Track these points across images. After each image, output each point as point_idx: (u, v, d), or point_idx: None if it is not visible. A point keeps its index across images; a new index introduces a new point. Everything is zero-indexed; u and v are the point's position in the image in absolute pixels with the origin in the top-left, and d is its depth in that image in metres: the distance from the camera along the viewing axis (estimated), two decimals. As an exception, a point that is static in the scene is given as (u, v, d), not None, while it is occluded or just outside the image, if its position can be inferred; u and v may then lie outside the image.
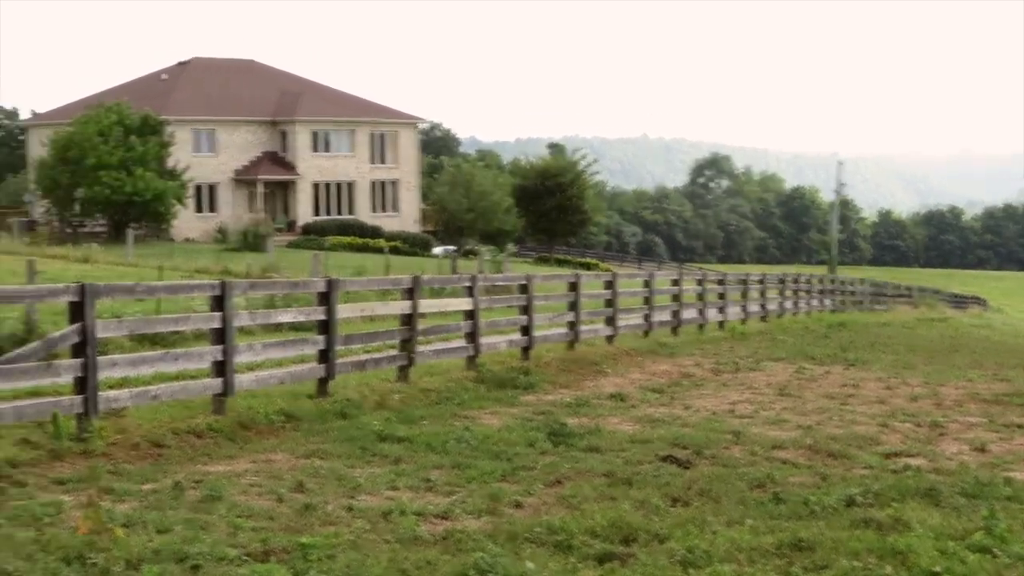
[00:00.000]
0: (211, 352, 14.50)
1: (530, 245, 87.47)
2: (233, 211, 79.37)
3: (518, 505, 10.38)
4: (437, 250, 73.46)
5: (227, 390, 14.38)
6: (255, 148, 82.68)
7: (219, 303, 14.58)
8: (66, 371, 12.40)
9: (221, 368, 14.37)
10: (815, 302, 46.47)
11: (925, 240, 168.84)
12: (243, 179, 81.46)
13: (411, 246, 75.29)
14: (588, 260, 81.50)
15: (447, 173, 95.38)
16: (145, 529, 8.74)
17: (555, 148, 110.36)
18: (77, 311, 12.40)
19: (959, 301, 71.49)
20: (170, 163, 70.04)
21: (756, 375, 22.66)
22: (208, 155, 79.90)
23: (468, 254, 67.58)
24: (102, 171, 64.42)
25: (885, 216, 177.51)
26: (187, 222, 74.36)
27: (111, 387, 13.49)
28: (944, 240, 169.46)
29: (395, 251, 67.14)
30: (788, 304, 42.23)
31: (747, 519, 9.77)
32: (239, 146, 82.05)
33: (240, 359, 14.90)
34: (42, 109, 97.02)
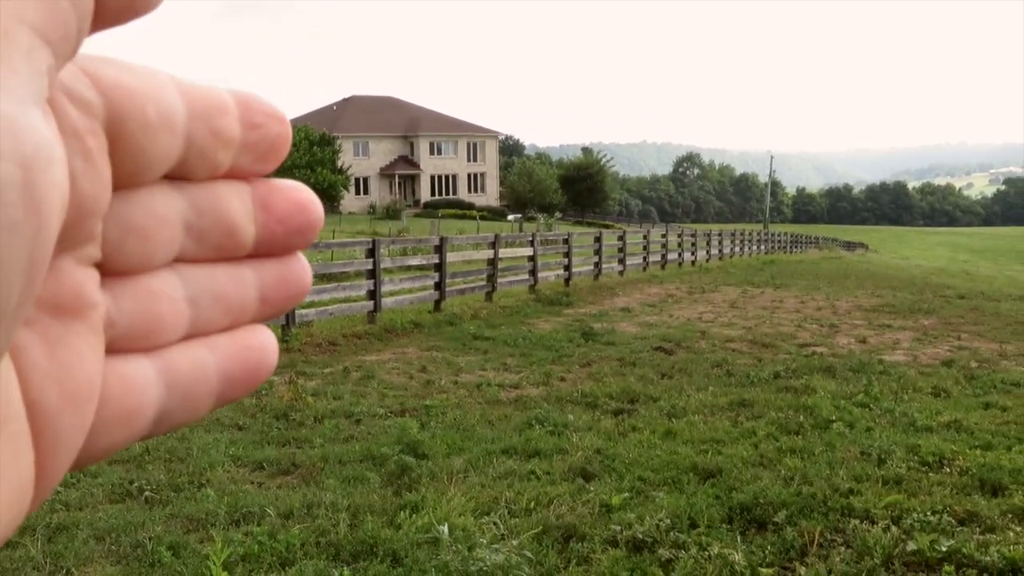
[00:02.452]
0: (366, 284, 14.60)
1: (570, 214, 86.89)
2: (379, 194, 79.78)
3: (562, 379, 10.43)
4: (510, 217, 73.14)
5: (377, 308, 14.51)
6: (393, 153, 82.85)
7: (371, 253, 14.69)
8: (275, 297, 12.58)
9: (373, 295, 14.49)
10: (754, 248, 45.99)
11: (827, 207, 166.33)
12: (386, 174, 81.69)
13: (493, 215, 75.19)
14: (607, 223, 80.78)
15: (516, 167, 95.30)
16: (326, 397, 8.88)
17: (586, 151, 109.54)
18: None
19: (849, 246, 70.42)
20: (339, 163, 70.56)
21: (715, 295, 22.52)
22: (363, 158, 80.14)
23: (530, 219, 67.51)
24: (295, 169, 65.38)
25: (801, 192, 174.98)
26: (350, 202, 74.78)
27: (303, 307, 13.63)
28: (840, 206, 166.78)
29: (483, 219, 67.31)
30: (736, 249, 41.87)
31: (710, 387, 9.76)
32: (383, 152, 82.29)
33: (385, 288, 15.00)
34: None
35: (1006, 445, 7.13)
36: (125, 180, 0.29)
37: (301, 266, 0.36)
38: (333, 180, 68.02)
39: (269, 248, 0.34)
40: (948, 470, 6.35)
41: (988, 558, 4.53)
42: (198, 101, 0.30)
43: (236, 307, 0.33)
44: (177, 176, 0.30)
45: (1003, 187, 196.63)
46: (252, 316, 0.34)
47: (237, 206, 0.32)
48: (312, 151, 66.92)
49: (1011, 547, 4.66)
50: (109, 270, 0.29)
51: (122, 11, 0.27)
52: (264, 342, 0.35)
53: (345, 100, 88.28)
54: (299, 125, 70.70)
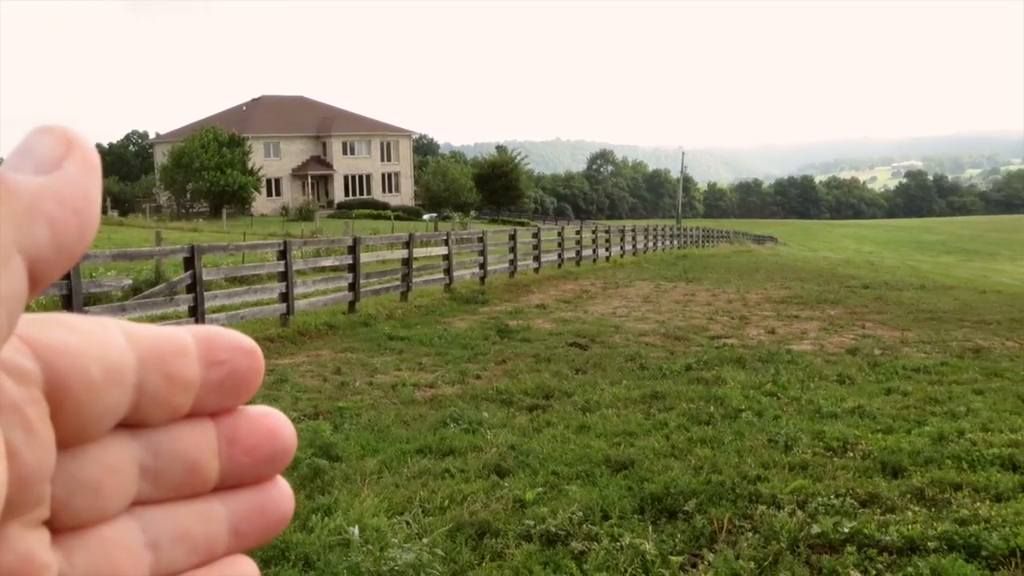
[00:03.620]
0: (279, 287, 14.43)
1: (485, 212, 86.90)
2: (292, 196, 78.73)
3: (478, 377, 10.44)
4: (425, 216, 72.91)
5: (289, 311, 14.34)
6: (305, 154, 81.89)
7: (283, 255, 14.52)
8: (183, 302, 12.35)
9: (285, 297, 14.31)
10: (667, 243, 46.63)
11: (738, 201, 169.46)
12: (298, 174, 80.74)
13: (408, 215, 74.83)
14: (522, 220, 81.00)
15: (431, 167, 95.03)
16: (238, 401, 8.74)
17: (500, 149, 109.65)
18: (189, 263, 12.36)
19: (759, 239, 71.86)
20: (249, 165, 69.57)
21: (629, 290, 22.79)
22: (275, 159, 79.08)
23: (445, 218, 67.44)
24: (204, 171, 64.42)
25: (712, 187, 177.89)
26: (262, 203, 73.66)
27: (213, 312, 13.41)
28: (750, 201, 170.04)
29: (398, 218, 66.92)
30: (650, 244, 42.38)
31: (623, 380, 9.88)
32: (295, 153, 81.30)
33: (298, 291, 14.84)
34: (163, 131, 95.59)
35: (906, 429, 7.38)
36: (72, 438, 0.28)
37: (280, 494, 0.35)
38: (244, 182, 67.03)
39: (237, 480, 0.33)
40: (851, 454, 6.54)
41: (888, 537, 4.69)
42: (151, 348, 0.30)
43: (203, 545, 0.32)
44: (132, 423, 0.30)
45: (904, 180, 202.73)
46: (226, 550, 0.33)
47: (198, 443, 0.32)
48: (222, 152, 65.90)
49: (909, 526, 4.83)
50: (60, 526, 0.28)
51: (47, 280, 0.28)
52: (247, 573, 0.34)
53: (255, 100, 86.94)
54: (207, 126, 69.53)
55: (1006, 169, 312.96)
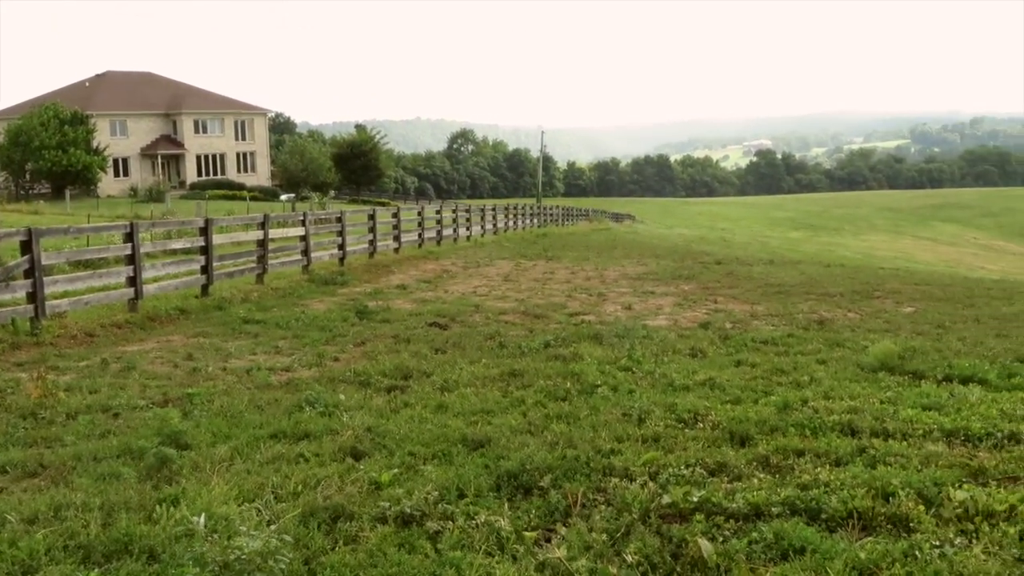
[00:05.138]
0: (126, 271, 13.88)
1: (345, 192, 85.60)
2: (141, 176, 75.74)
3: (336, 359, 10.30)
4: (283, 197, 71.35)
5: (138, 295, 13.84)
6: (155, 132, 78.91)
7: (130, 237, 14.01)
8: (20, 288, 11.72)
9: (133, 281, 13.80)
10: (527, 221, 47.08)
11: (597, 180, 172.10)
12: (147, 154, 77.73)
13: (265, 195, 73.16)
14: (383, 200, 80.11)
15: (288, 146, 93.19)
16: (81, 392, 8.36)
17: (359, 127, 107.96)
18: (27, 246, 11.72)
19: (617, 217, 73.29)
20: (94, 144, 66.57)
21: (490, 268, 22.90)
22: (122, 138, 75.82)
23: (303, 199, 66.31)
24: (44, 151, 61.38)
25: (571, 166, 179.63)
26: (109, 184, 70.69)
27: (56, 298, 12.79)
28: (608, 179, 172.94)
29: (254, 199, 65.54)
30: (511, 223, 42.69)
31: (482, 359, 9.90)
32: (144, 131, 78.19)
33: (147, 274, 14.34)
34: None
35: (753, 399, 7.65)
36: None
37: None
38: (88, 161, 64.26)
39: None
40: (702, 425, 6.73)
41: (735, 505, 4.85)
42: None
43: None
44: None
45: (755, 159, 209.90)
46: None
47: None
48: (63, 131, 62.94)
49: (755, 493, 5.00)
50: None
51: None
52: None
53: (99, 76, 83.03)
54: (47, 103, 66.21)
55: (848, 148, 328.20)
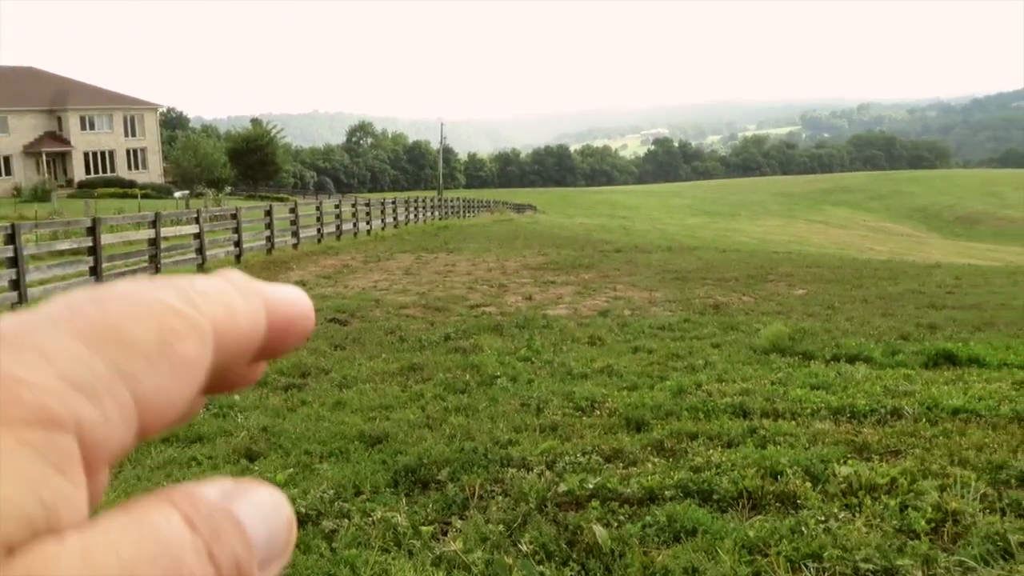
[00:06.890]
0: (8, 274, 13.39)
1: (241, 188, 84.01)
2: (25, 175, 72.98)
3: (231, 359, 10.10)
4: (177, 194, 69.59)
5: (22, 299, 13.36)
6: (39, 129, 76.03)
7: (11, 239, 13.49)
8: None
9: (16, 284, 13.33)
10: (429, 214, 46.88)
11: (497, 171, 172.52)
12: (31, 152, 74.96)
13: (158, 192, 71.34)
14: (281, 196, 78.73)
15: (181, 141, 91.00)
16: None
17: (255, 122, 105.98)
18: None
19: (519, 208, 73.52)
20: (-27, 143, 63.96)
21: (391, 263, 22.74)
22: (3, 135, 73.02)
23: (198, 195, 64.84)
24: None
25: (472, 157, 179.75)
26: (-10, 184, 68.21)
27: (-68, 304, 12.28)
28: (509, 170, 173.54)
29: (147, 197, 63.68)
30: (411, 216, 42.46)
31: (382, 354, 9.84)
32: (26, 128, 75.29)
33: (31, 277, 13.85)
34: None
35: (649, 385, 7.77)
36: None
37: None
38: (-34, 161, 61.64)
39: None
40: (599, 413, 6.81)
41: (629, 490, 4.92)
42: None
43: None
44: None
45: (653, 147, 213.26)
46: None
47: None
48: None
49: (649, 477, 5.09)
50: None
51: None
52: None
53: (-24, 71, 79.87)
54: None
55: (743, 135, 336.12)
